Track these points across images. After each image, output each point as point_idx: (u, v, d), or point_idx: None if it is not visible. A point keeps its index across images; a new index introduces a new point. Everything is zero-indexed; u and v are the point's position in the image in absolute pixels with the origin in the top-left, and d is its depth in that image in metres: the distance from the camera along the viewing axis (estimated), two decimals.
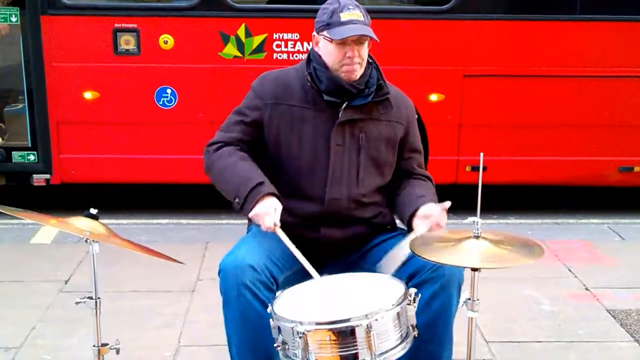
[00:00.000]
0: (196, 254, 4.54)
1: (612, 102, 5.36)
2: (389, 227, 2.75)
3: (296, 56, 5.13)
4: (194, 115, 5.26)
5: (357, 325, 2.04)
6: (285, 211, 2.51)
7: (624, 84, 5.34)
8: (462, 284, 2.49)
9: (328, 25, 2.54)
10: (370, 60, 2.64)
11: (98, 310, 2.37)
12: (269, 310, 2.20)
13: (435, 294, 2.46)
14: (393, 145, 2.69)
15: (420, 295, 2.22)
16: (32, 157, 5.32)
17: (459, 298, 2.47)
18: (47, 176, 5.35)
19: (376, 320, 2.06)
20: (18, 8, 5.11)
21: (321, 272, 2.44)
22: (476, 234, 2.24)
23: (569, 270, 4.42)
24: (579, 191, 6.03)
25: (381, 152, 2.66)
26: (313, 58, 2.64)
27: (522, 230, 5.15)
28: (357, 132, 2.62)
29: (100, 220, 2.36)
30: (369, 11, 2.63)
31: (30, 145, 5.31)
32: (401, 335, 2.14)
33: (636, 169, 5.50)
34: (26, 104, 5.26)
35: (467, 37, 5.24)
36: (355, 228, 2.66)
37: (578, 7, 5.25)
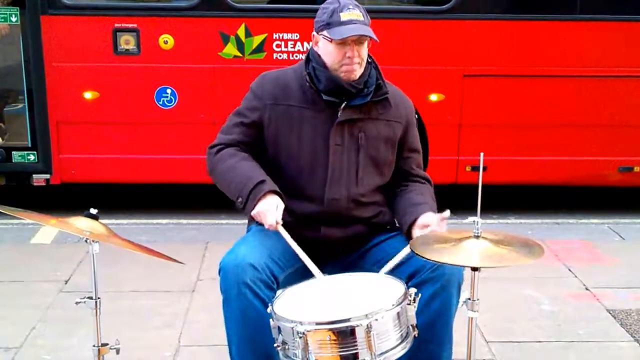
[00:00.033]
0: (196, 254, 4.54)
1: (612, 102, 5.36)
2: (388, 227, 2.75)
3: (296, 56, 5.13)
4: (194, 115, 5.26)
5: (357, 325, 2.04)
6: (285, 211, 2.51)
7: (624, 84, 5.34)
8: (462, 284, 2.49)
9: (328, 25, 2.54)
10: (369, 60, 2.64)
11: (98, 310, 2.37)
12: (269, 310, 2.20)
13: (435, 294, 2.46)
14: (392, 145, 2.69)
15: (420, 295, 2.22)
16: (32, 157, 5.32)
17: (458, 298, 2.47)
18: (47, 176, 5.35)
19: (376, 320, 2.06)
20: (18, 8, 5.10)
21: (321, 271, 2.44)
22: (476, 234, 2.24)
23: (569, 270, 4.42)
24: (579, 191, 6.03)
25: (380, 151, 2.66)
26: (312, 58, 2.64)
27: (522, 230, 5.15)
28: (356, 131, 2.62)
29: (100, 220, 2.36)
30: (369, 11, 2.63)
31: (30, 145, 5.31)
32: (401, 335, 2.14)
33: (636, 169, 5.49)
34: (26, 103, 5.26)
35: (467, 37, 5.24)
36: (355, 228, 2.66)
37: (578, 7, 5.25)
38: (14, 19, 5.12)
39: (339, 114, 2.60)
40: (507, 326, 3.66)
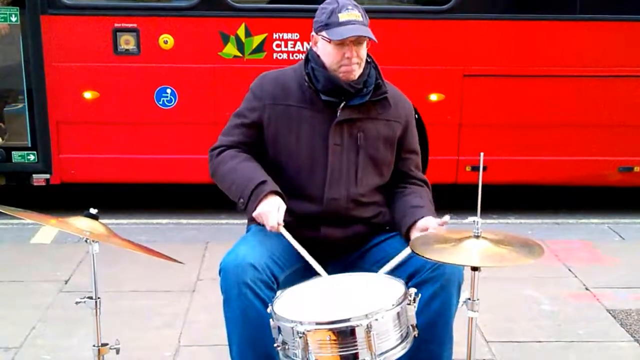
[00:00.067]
0: (196, 254, 4.54)
1: (612, 102, 5.35)
2: (387, 227, 2.74)
3: (296, 56, 5.13)
4: (194, 115, 5.26)
5: (357, 325, 2.04)
6: (285, 211, 2.51)
7: (624, 84, 5.34)
8: (462, 284, 2.49)
9: (326, 26, 2.54)
10: (369, 60, 2.64)
11: (98, 310, 2.37)
12: (269, 310, 2.20)
13: (435, 294, 2.46)
14: (391, 145, 2.69)
15: (420, 295, 2.22)
16: (32, 157, 5.32)
17: (459, 298, 2.47)
18: (47, 176, 5.35)
19: (376, 320, 2.06)
20: (18, 8, 5.10)
21: None
22: (476, 234, 2.24)
23: (569, 270, 4.42)
24: (579, 191, 6.03)
25: (380, 151, 2.66)
26: (311, 58, 2.64)
27: (522, 230, 5.15)
28: (356, 131, 2.62)
29: (100, 220, 2.36)
30: (368, 11, 2.63)
31: (30, 145, 5.31)
32: (401, 335, 2.14)
33: (636, 169, 5.49)
34: (26, 103, 5.26)
35: (467, 37, 5.24)
36: (354, 228, 2.66)
37: (578, 7, 5.25)
38: (13, 18, 5.12)
39: (338, 113, 2.60)
40: (507, 326, 3.66)
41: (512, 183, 5.57)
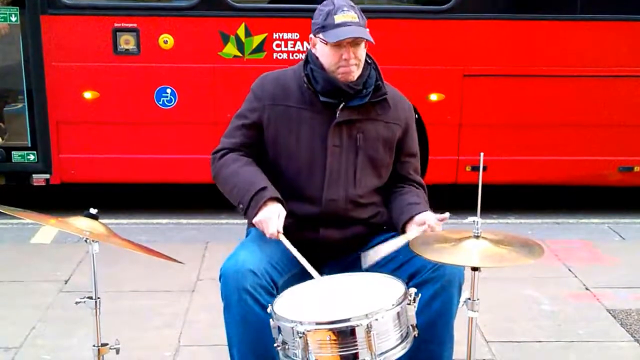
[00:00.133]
0: (196, 254, 4.54)
1: (612, 102, 5.35)
2: (385, 227, 2.74)
3: (296, 56, 5.13)
4: (193, 115, 5.26)
5: (357, 325, 2.04)
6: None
7: (624, 84, 5.34)
8: (463, 284, 2.49)
9: (323, 28, 2.54)
10: (369, 61, 2.64)
11: (98, 310, 2.37)
12: (269, 310, 2.20)
13: (435, 294, 2.46)
14: (390, 147, 2.69)
15: (420, 295, 2.22)
16: (31, 157, 5.32)
17: (459, 298, 2.47)
18: (47, 176, 5.35)
19: (376, 320, 2.06)
20: (18, 8, 5.10)
21: (321, 272, 2.44)
22: (476, 234, 2.24)
23: (569, 270, 4.42)
24: (579, 191, 6.03)
25: (379, 152, 2.66)
26: (310, 59, 2.64)
27: (522, 230, 5.15)
28: (355, 132, 2.61)
29: (100, 220, 2.36)
30: (368, 11, 2.63)
31: (30, 145, 5.31)
32: (401, 335, 2.14)
33: (636, 169, 5.49)
34: (26, 103, 5.26)
35: (467, 37, 5.23)
36: (353, 228, 2.66)
37: (578, 7, 5.25)
38: (13, 18, 5.12)
39: (337, 114, 2.59)
40: (507, 326, 3.66)
41: (512, 183, 5.57)
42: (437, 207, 2.70)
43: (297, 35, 5.14)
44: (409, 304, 2.16)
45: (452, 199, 4.68)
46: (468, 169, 5.37)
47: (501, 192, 5.59)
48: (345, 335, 2.05)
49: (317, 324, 2.07)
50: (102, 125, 5.31)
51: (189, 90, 5.24)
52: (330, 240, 2.63)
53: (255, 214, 2.49)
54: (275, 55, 5.17)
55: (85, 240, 2.28)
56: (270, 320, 2.18)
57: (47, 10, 5.09)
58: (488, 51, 5.27)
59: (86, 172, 5.38)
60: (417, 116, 4.74)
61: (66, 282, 4.15)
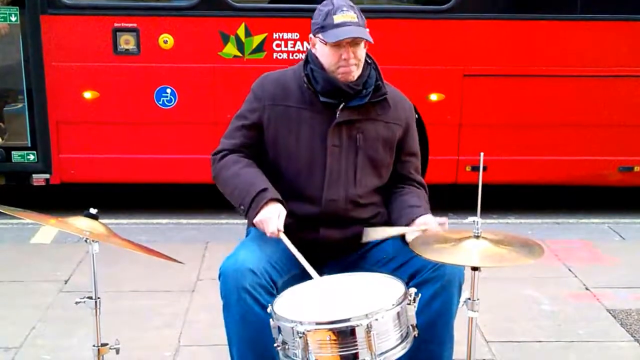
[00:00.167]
0: (196, 254, 4.54)
1: (612, 102, 5.35)
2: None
3: (296, 56, 5.13)
4: (193, 115, 5.26)
5: (357, 325, 2.04)
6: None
7: (624, 84, 5.34)
8: (463, 284, 2.49)
9: (322, 28, 2.54)
10: (369, 61, 2.64)
11: (98, 310, 2.37)
12: (269, 310, 2.20)
13: (435, 294, 2.46)
14: (391, 147, 2.69)
15: (420, 295, 2.22)
16: (31, 157, 5.32)
17: (459, 298, 2.47)
18: (47, 176, 5.35)
19: (376, 320, 2.05)
20: (18, 7, 5.10)
21: (321, 272, 2.44)
22: (476, 234, 2.24)
23: (569, 270, 4.42)
24: (579, 191, 6.03)
25: (379, 152, 2.66)
26: (310, 59, 2.64)
27: (522, 230, 5.15)
28: (355, 132, 2.61)
29: (100, 220, 2.36)
30: (368, 11, 2.63)
31: (30, 145, 5.31)
32: (401, 335, 2.14)
33: (636, 169, 5.49)
34: (26, 103, 5.26)
35: (467, 37, 5.23)
36: (353, 229, 2.66)
37: (578, 7, 5.25)
38: (13, 18, 5.12)
39: (337, 115, 2.59)
40: (507, 326, 3.66)
41: (512, 183, 5.57)
42: (437, 207, 2.70)
43: (297, 35, 5.14)
44: (409, 304, 2.16)
45: (452, 199, 4.68)
46: (468, 169, 5.37)
47: (501, 192, 5.59)
48: (345, 335, 2.05)
49: (317, 324, 2.07)
50: (102, 125, 5.31)
51: (189, 90, 5.24)
52: (331, 240, 2.63)
53: (256, 215, 2.50)
54: (275, 55, 5.17)
55: (85, 240, 2.28)
56: (270, 320, 2.18)
57: (47, 10, 5.09)
58: (488, 51, 5.27)
59: (86, 172, 5.38)
60: (417, 116, 4.73)
61: (66, 282, 4.15)
